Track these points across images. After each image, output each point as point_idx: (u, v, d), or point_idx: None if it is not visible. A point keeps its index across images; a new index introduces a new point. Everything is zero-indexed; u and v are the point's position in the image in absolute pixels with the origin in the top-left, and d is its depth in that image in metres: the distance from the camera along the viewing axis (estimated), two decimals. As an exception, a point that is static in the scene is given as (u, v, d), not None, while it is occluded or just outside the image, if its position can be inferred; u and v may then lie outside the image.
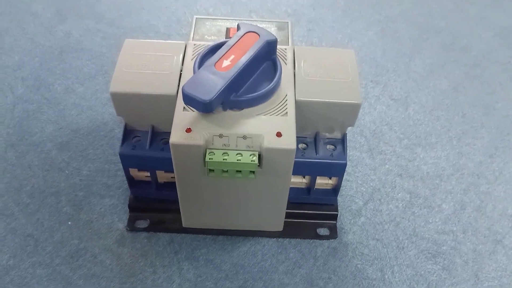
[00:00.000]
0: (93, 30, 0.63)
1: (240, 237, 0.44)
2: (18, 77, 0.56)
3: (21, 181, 0.47)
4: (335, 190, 0.44)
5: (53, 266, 0.41)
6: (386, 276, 0.42)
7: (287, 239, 0.44)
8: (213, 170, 0.35)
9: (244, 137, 0.35)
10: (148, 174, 0.43)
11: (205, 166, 0.35)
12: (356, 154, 0.51)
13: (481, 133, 0.54)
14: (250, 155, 0.35)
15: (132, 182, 0.44)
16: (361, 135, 0.53)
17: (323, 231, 0.45)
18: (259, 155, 0.35)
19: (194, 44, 0.41)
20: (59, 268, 0.41)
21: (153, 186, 0.43)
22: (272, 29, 0.44)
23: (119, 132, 0.51)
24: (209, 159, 0.34)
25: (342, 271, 0.43)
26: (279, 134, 0.35)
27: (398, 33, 0.65)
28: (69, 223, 0.44)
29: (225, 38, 0.42)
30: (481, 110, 0.56)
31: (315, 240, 0.44)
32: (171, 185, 0.43)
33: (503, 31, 0.66)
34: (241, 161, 0.34)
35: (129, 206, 0.45)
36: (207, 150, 0.35)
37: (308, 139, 0.41)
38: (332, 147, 0.41)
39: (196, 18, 0.44)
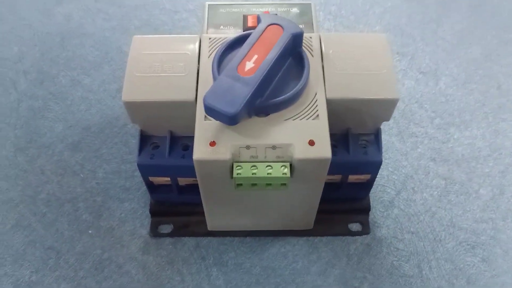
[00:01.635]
0: (93, 10, 0.58)
1: (269, 238, 0.42)
2: (19, 71, 0.52)
3: (35, 188, 0.45)
4: (368, 184, 0.41)
5: (77, 280, 0.40)
6: (424, 272, 0.41)
7: (318, 237, 0.42)
8: (241, 184, 0.33)
9: (273, 147, 0.32)
10: (169, 178, 0.40)
11: (232, 180, 0.33)
12: (385, 138, 0.48)
13: (518, 107, 0.50)
14: (281, 167, 0.32)
15: (152, 187, 0.41)
16: (389, 116, 0.49)
17: (355, 227, 0.43)
18: (291, 165, 0.32)
19: (210, 38, 0.37)
20: (84, 281, 0.40)
21: (175, 190, 0.41)
22: (294, 14, 0.39)
23: (132, 128, 0.48)
24: (237, 174, 0.32)
25: (377, 269, 0.41)
26: (311, 142, 0.32)
27: (424, -5, 0.59)
28: (90, 231, 0.42)
29: (243, 28, 0.38)
30: (518, 79, 0.52)
31: (347, 237, 0.42)
32: (194, 188, 0.40)
33: (538, -13, 0.60)
34: (271, 175, 0.32)
35: (151, 211, 0.43)
36: (234, 164, 0.32)
37: (339, 135, 0.38)
38: (365, 142, 0.38)
39: (209, 5, 0.40)
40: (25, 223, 0.43)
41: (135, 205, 0.44)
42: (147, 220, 0.43)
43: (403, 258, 0.41)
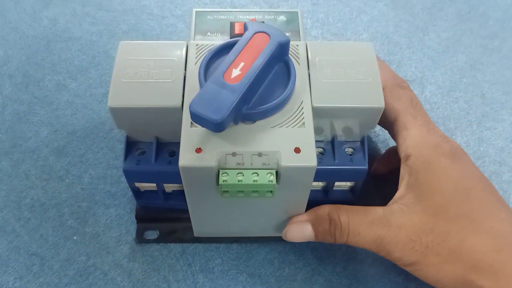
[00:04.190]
0: (81, 14, 0.58)
1: (255, 244, 0.42)
2: (4, 74, 0.52)
3: (19, 193, 0.44)
4: (354, 190, 0.41)
5: (62, 287, 0.40)
6: (412, 276, 0.41)
7: (305, 243, 0.42)
8: (227, 191, 0.33)
9: (260, 155, 0.32)
10: (155, 184, 0.40)
11: (218, 187, 0.33)
12: (371, 146, 0.48)
13: (502, 115, 0.51)
14: (268, 174, 0.32)
15: (138, 193, 0.41)
16: (375, 123, 0.50)
17: (341, 233, 0.43)
18: (277, 172, 0.32)
19: (197, 45, 0.37)
20: (69, 288, 0.40)
21: (161, 196, 0.41)
22: (280, 22, 0.40)
23: (118, 133, 0.48)
24: (223, 181, 0.32)
25: (363, 276, 0.41)
26: (297, 150, 0.32)
27: (411, 3, 0.60)
28: (75, 237, 0.42)
29: (230, 35, 0.38)
30: (501, 88, 0.53)
31: (334, 243, 0.42)
32: (180, 194, 0.40)
33: (522, -3, 0.61)
34: (257, 182, 0.32)
35: (137, 217, 0.42)
36: (220, 171, 0.32)
37: (325, 143, 0.38)
38: (351, 150, 0.38)
39: (196, 11, 0.40)
40: (9, 228, 0.42)
41: (121, 211, 0.43)
42: (133, 226, 0.43)
43: (388, 264, 0.41)
